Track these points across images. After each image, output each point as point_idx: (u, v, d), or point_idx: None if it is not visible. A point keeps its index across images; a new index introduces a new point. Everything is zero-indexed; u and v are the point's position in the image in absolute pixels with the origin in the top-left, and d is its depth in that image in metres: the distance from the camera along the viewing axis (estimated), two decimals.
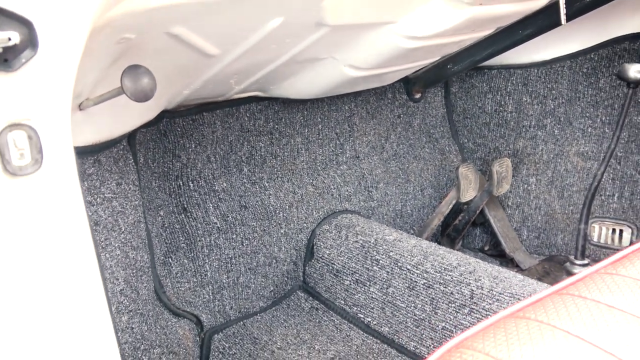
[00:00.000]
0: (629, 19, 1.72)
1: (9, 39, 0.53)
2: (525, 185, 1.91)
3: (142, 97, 0.83)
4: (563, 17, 1.00)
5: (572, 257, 1.42)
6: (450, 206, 1.76)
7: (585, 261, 1.39)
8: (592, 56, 1.79)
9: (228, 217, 1.49)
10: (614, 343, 0.52)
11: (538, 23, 1.41)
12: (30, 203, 0.56)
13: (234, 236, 1.50)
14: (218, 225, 1.48)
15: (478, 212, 1.80)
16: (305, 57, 1.22)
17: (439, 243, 1.90)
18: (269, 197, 1.57)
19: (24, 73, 0.54)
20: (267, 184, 1.57)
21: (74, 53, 0.60)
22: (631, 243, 1.77)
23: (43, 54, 0.56)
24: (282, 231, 1.58)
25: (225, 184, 1.50)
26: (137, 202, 1.22)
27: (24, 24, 0.54)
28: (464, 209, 1.82)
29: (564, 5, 0.99)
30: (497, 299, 1.25)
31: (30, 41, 0.54)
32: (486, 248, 1.93)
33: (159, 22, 0.82)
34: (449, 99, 2.00)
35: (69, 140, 0.59)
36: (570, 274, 1.38)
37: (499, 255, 1.89)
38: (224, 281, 1.49)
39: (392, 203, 1.82)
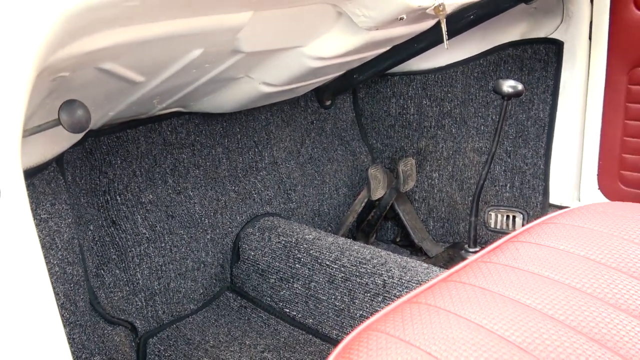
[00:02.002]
0: (511, 28, 1.94)
1: None
2: (430, 180, 2.10)
3: (79, 128, 0.92)
4: (446, 43, 1.17)
5: (466, 246, 1.60)
6: (363, 204, 1.91)
7: (477, 248, 1.59)
8: (481, 62, 1.99)
9: (156, 227, 1.58)
10: (485, 318, 0.67)
11: (430, 38, 1.58)
12: None
13: (163, 245, 1.59)
14: (147, 235, 1.56)
15: (388, 207, 1.97)
16: (223, 77, 1.32)
17: (355, 238, 2.06)
18: (194, 206, 1.66)
19: None
20: (191, 193, 1.67)
21: (20, 98, 0.68)
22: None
23: None
24: (208, 237, 1.68)
25: (151, 196, 1.59)
26: (70, 220, 1.29)
27: None
28: (376, 205, 1.99)
29: (446, 32, 1.15)
30: (406, 287, 1.41)
31: None
32: (398, 239, 2.11)
33: (91, 61, 0.91)
34: (357, 104, 2.15)
35: (19, 169, 0.67)
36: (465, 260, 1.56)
37: (409, 245, 2.07)
38: (156, 288, 1.58)
39: (310, 204, 1.96)
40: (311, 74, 1.41)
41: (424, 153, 2.10)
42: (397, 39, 1.40)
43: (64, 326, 1.20)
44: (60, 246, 1.22)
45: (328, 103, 2.01)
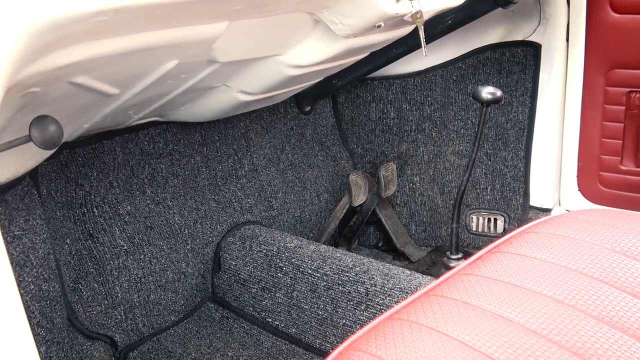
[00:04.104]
0: (489, 32, 1.94)
1: None
2: (411, 184, 2.10)
3: (51, 145, 0.90)
4: (424, 50, 1.16)
5: (448, 253, 1.60)
6: (344, 211, 1.90)
7: (459, 255, 1.58)
8: (460, 65, 1.99)
9: (135, 238, 1.55)
10: (468, 334, 0.66)
11: (408, 43, 1.58)
12: None
13: (142, 256, 1.56)
14: (125, 247, 1.53)
15: (370, 212, 1.96)
16: (199, 86, 1.30)
17: (337, 244, 2.04)
18: (174, 216, 1.64)
19: None
20: (170, 203, 1.65)
21: None
22: (504, 230, 2.01)
23: None
24: (188, 247, 1.66)
25: (129, 207, 1.56)
26: (45, 235, 1.26)
27: None
28: (357, 211, 1.98)
29: (424, 39, 1.15)
30: (389, 294, 1.40)
31: None
32: (380, 244, 2.10)
33: (64, 75, 0.89)
34: (337, 109, 2.14)
35: None
36: (447, 267, 1.56)
37: (391, 250, 2.06)
38: (135, 300, 1.55)
39: (291, 210, 1.94)
40: (289, 82, 1.39)
41: (404, 157, 2.09)
42: (376, 45, 1.39)
43: (41, 345, 1.18)
44: (35, 263, 1.19)
45: (308, 109, 2.00)
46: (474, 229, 2.04)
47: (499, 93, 1.37)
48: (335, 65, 1.43)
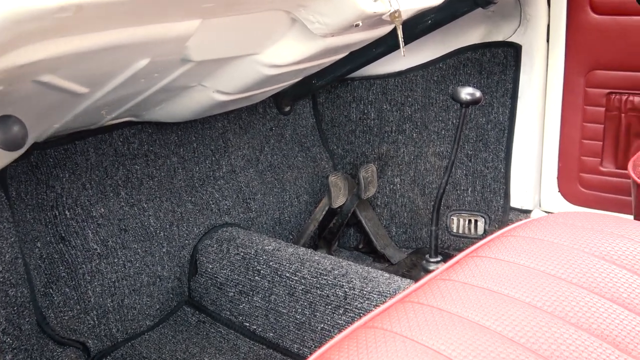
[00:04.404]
0: (470, 32, 1.93)
1: None
2: (391, 186, 2.08)
3: (14, 146, 0.86)
4: (402, 50, 1.14)
5: (427, 256, 1.58)
6: (324, 212, 1.88)
7: (439, 258, 1.57)
8: (441, 65, 1.98)
9: (108, 242, 1.52)
10: (443, 343, 0.64)
11: (388, 42, 1.55)
12: None
13: (116, 260, 1.52)
14: (98, 251, 1.50)
15: (350, 214, 1.94)
16: (174, 86, 1.27)
17: (317, 245, 2.02)
18: (149, 218, 1.61)
19: None
20: (146, 205, 1.61)
21: None
22: (485, 231, 1.99)
23: None
24: (164, 250, 1.63)
25: (103, 210, 1.52)
26: (12, 239, 1.22)
27: None
28: (337, 212, 1.95)
29: (402, 39, 1.13)
30: (367, 298, 1.38)
31: None
32: (360, 246, 2.08)
33: (28, 74, 0.86)
34: (317, 109, 2.12)
35: None
36: (427, 270, 1.54)
37: (372, 252, 2.04)
38: (109, 305, 1.51)
39: (270, 212, 1.91)
40: (267, 82, 1.37)
41: (385, 158, 2.08)
42: (355, 45, 1.37)
43: (7, 352, 1.14)
44: (1, 268, 1.15)
45: (287, 109, 1.97)
46: (455, 230, 2.03)
47: (478, 94, 1.35)
48: (313, 65, 1.40)
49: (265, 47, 1.21)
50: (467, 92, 1.34)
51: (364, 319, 0.73)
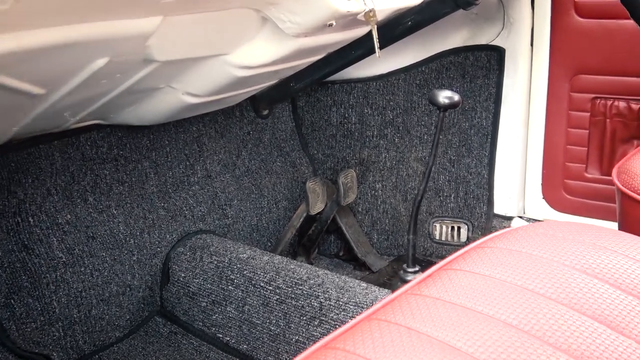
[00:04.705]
0: (452, 35, 1.88)
1: None
2: (373, 192, 2.03)
3: None
4: (377, 52, 1.09)
5: (404, 266, 1.53)
6: (302, 219, 1.82)
7: (417, 268, 1.52)
8: (423, 69, 1.93)
9: (74, 249, 1.45)
10: None
11: (367, 45, 1.49)
12: None
13: (82, 269, 1.46)
14: (64, 259, 1.43)
15: (329, 221, 1.88)
16: (141, 87, 1.21)
17: (296, 253, 1.96)
18: (118, 225, 1.54)
19: None
20: (115, 212, 1.55)
21: None
22: (468, 239, 1.95)
23: None
24: (134, 258, 1.56)
25: (69, 216, 1.46)
26: None
27: None
28: (317, 219, 1.90)
29: (377, 39, 1.08)
30: (344, 309, 1.32)
31: None
32: (341, 254, 2.02)
33: None
34: (296, 113, 2.07)
35: None
36: (404, 281, 1.49)
37: (352, 259, 1.99)
38: (75, 316, 1.45)
39: (247, 219, 1.85)
40: (239, 84, 1.31)
41: (366, 163, 2.03)
42: (331, 46, 1.32)
43: None
44: None
45: (265, 112, 1.92)
46: (437, 237, 1.98)
47: (456, 97, 1.30)
48: (288, 66, 1.35)
49: (235, 47, 1.15)
50: (445, 96, 1.29)
51: (326, 338, 0.68)
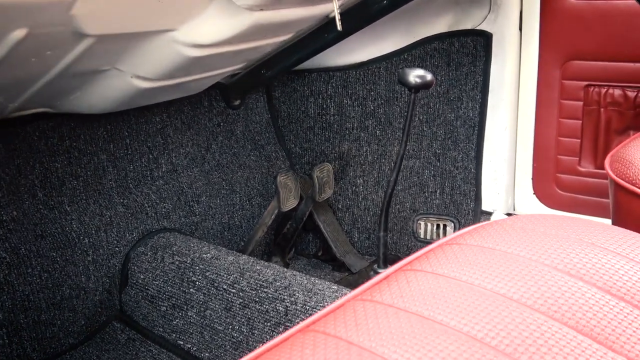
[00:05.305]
0: (437, 20, 1.76)
1: None
2: (354, 187, 1.91)
3: None
4: (338, 23, 0.97)
5: (375, 266, 1.41)
6: (273, 216, 1.70)
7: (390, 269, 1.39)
8: (405, 56, 1.81)
9: (20, 249, 1.33)
10: None
11: (342, 26, 1.38)
12: None
13: (30, 270, 1.34)
14: (8, 260, 1.31)
15: (305, 218, 1.76)
16: (82, 69, 1.09)
17: (271, 252, 1.84)
18: (71, 223, 1.42)
19: None
20: (68, 208, 1.43)
21: None
22: None
23: None
24: (89, 258, 1.44)
25: (15, 213, 1.34)
26: None
27: None
28: (292, 216, 1.78)
29: (338, 9, 0.96)
30: (310, 314, 1.20)
31: None
32: (319, 253, 1.90)
33: None
34: (272, 104, 1.94)
35: None
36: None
37: (331, 259, 1.87)
38: (22, 322, 1.33)
39: (217, 216, 1.73)
40: (194, 66, 1.19)
41: (346, 157, 1.90)
42: (296, 23, 1.19)
43: None
44: None
45: (237, 103, 1.79)
46: (422, 236, 1.86)
47: (429, 77, 1.18)
48: (249, 47, 1.23)
49: (183, 22, 1.03)
50: (416, 75, 1.17)
51: (257, 350, 0.56)
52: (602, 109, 1.61)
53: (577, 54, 1.62)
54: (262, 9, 1.01)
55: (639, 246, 0.70)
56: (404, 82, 1.19)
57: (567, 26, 1.62)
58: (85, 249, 1.44)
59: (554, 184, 1.74)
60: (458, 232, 0.76)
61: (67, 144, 1.43)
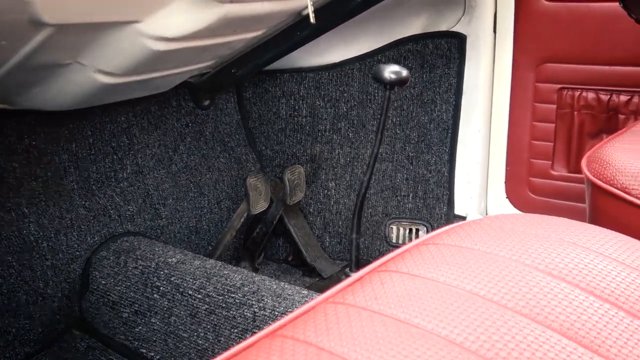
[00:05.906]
0: (411, 21, 1.74)
1: None
2: (325, 191, 1.87)
3: None
4: (311, 15, 0.94)
5: (347, 270, 1.37)
6: (242, 219, 1.65)
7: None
8: (379, 58, 1.78)
9: None
10: None
11: (315, 25, 1.35)
12: None
13: None
14: None
15: (275, 222, 1.72)
16: (41, 62, 1.03)
17: (240, 257, 1.79)
18: (29, 225, 1.35)
19: None
20: (26, 210, 1.36)
21: None
22: None
23: None
24: (47, 263, 1.37)
25: None
26: None
27: None
28: (262, 220, 1.73)
29: (311, 4, 0.92)
30: (279, 320, 1.16)
31: None
32: (290, 258, 1.86)
33: None
34: (242, 104, 1.90)
35: None
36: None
37: (302, 264, 1.82)
38: None
39: (184, 219, 1.68)
40: (160, 61, 1.14)
41: (318, 160, 1.86)
42: (268, 18, 1.15)
43: None
44: None
45: (206, 103, 1.74)
46: (394, 240, 1.83)
47: (404, 73, 1.15)
48: (219, 42, 1.18)
49: (148, 13, 0.98)
50: (391, 71, 1.14)
51: (226, 353, 0.52)
52: (575, 112, 1.60)
53: (551, 56, 1.61)
54: (231, 1, 0.97)
55: (621, 246, 0.67)
56: (378, 78, 1.15)
57: (541, 29, 1.61)
58: (44, 253, 1.37)
59: (526, 187, 1.73)
60: (435, 232, 0.72)
61: (26, 142, 1.36)
